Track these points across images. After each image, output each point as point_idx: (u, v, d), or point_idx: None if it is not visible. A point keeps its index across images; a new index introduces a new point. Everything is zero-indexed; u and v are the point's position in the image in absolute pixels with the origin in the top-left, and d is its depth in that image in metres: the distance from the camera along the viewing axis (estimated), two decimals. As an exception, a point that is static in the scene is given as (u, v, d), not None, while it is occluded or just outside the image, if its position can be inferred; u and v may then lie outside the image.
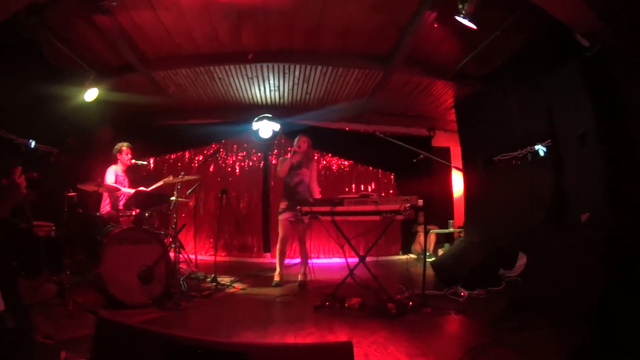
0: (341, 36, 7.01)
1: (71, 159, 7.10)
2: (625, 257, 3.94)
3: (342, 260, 6.07)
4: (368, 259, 5.34)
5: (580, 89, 5.09)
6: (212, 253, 9.43)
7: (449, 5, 5.53)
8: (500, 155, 7.20)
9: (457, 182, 11.30)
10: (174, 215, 6.29)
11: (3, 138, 6.00)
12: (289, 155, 6.70)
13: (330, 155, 11.20)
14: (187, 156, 10.91)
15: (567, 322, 3.90)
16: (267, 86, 9.08)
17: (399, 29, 6.69)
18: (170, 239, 6.07)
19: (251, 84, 8.95)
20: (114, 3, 5.57)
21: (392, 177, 11.41)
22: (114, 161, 6.60)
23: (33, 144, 6.49)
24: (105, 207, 6.35)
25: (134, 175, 7.04)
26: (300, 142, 6.63)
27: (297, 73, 8.34)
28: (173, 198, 6.25)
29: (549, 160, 5.92)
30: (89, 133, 8.35)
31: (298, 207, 5.61)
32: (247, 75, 8.41)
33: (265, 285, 6.51)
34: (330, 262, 9.96)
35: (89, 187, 5.50)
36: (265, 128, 7.83)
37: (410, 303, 4.86)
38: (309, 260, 6.75)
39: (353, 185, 11.13)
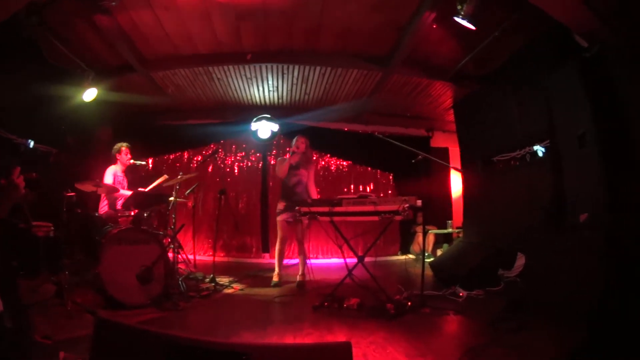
0: (340, 37, 7.01)
1: (70, 159, 7.09)
2: (625, 258, 3.95)
3: (341, 260, 6.05)
4: (367, 259, 5.34)
5: (579, 89, 5.09)
6: (210, 253, 9.43)
7: (448, 6, 5.54)
8: (499, 156, 7.20)
9: (456, 183, 11.31)
10: (173, 216, 6.28)
11: (2, 138, 5.99)
12: (287, 156, 6.69)
13: (328, 155, 11.19)
14: (185, 156, 10.91)
15: (566, 322, 3.91)
16: (266, 86, 9.08)
17: (398, 29, 6.70)
18: (169, 240, 6.07)
19: (250, 85, 8.95)
20: (113, 3, 5.57)
21: (390, 177, 11.40)
22: (113, 161, 6.60)
23: (32, 143, 6.47)
24: (104, 207, 6.34)
25: (133, 175, 7.04)
26: (299, 143, 6.63)
27: (296, 73, 8.34)
28: (172, 198, 6.25)
29: (547, 160, 5.92)
30: (88, 133, 8.35)
31: (297, 208, 5.61)
32: (246, 75, 8.41)
33: (264, 285, 6.51)
34: (328, 262, 9.96)
35: (87, 187, 5.50)
36: (264, 128, 7.82)
37: (409, 303, 4.87)
38: (308, 261, 6.75)
39: (352, 186, 11.12)
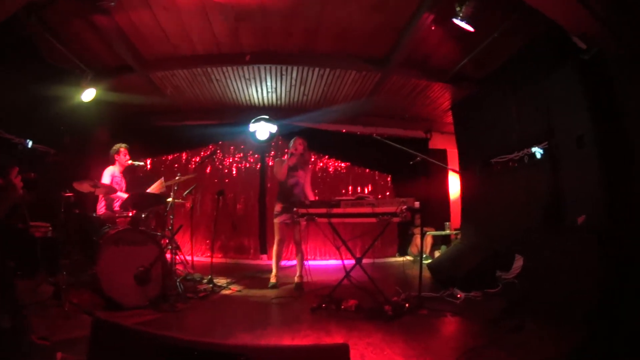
0: (339, 38, 7.02)
1: (68, 159, 7.09)
2: (623, 258, 3.96)
3: (339, 262, 6.06)
4: (364, 261, 5.35)
5: (577, 91, 5.11)
6: (208, 254, 9.37)
7: (446, 8, 5.55)
8: (497, 158, 7.21)
9: (454, 184, 11.31)
10: (171, 217, 6.29)
11: (0, 138, 6.00)
12: (285, 157, 6.69)
13: (327, 157, 11.19)
14: (184, 157, 10.90)
15: (565, 323, 3.92)
16: (264, 88, 9.08)
17: (396, 31, 6.70)
18: (167, 240, 6.07)
19: (248, 86, 8.95)
20: (112, 3, 5.57)
21: (389, 179, 11.41)
22: (111, 162, 6.59)
23: (30, 143, 6.48)
24: (101, 208, 6.34)
25: (131, 176, 7.03)
26: (297, 144, 6.61)
27: (294, 75, 8.34)
28: (170, 199, 6.25)
29: (546, 162, 5.94)
30: (86, 133, 8.33)
31: (294, 209, 5.61)
32: (244, 76, 8.41)
33: (262, 286, 6.51)
34: (326, 264, 9.94)
35: (85, 188, 5.50)
36: (263, 130, 7.83)
37: (407, 305, 4.87)
38: (306, 262, 6.74)
39: (350, 187, 11.12)
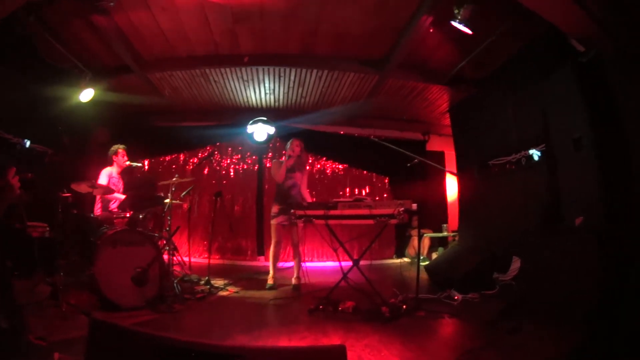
0: (337, 40, 7.03)
1: (66, 160, 7.09)
2: (621, 259, 3.97)
3: (336, 263, 6.06)
4: (362, 262, 5.34)
5: (575, 93, 5.12)
6: (205, 256, 9.37)
7: (445, 10, 5.55)
8: (494, 160, 7.21)
9: (452, 186, 11.32)
10: (168, 218, 6.28)
11: (-1, 137, 6.01)
12: (283, 159, 6.69)
13: (324, 158, 11.18)
14: (181, 158, 10.89)
15: (563, 324, 3.92)
16: (262, 89, 9.08)
17: (394, 33, 6.71)
18: (164, 242, 6.07)
19: (246, 87, 8.95)
20: (111, 3, 5.57)
21: (386, 181, 11.41)
22: (109, 163, 6.59)
23: (28, 143, 6.47)
24: (98, 209, 6.34)
25: (128, 177, 7.02)
26: (294, 146, 6.62)
27: (292, 76, 8.34)
28: (167, 200, 6.24)
29: (543, 164, 5.94)
30: (84, 134, 8.33)
31: (292, 211, 5.62)
32: (242, 78, 8.41)
33: (259, 288, 6.50)
34: (324, 265, 9.94)
35: (83, 188, 5.49)
36: (260, 131, 7.84)
37: (404, 307, 4.88)
38: (303, 264, 6.74)
39: (347, 189, 11.11)
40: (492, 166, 7.31)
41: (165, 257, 5.75)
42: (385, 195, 11.26)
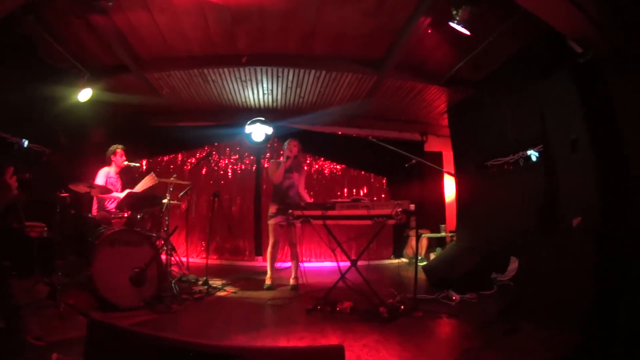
0: (335, 40, 7.03)
1: (64, 159, 7.08)
2: (618, 260, 3.97)
3: (334, 264, 6.07)
4: (360, 263, 5.34)
5: (572, 95, 5.13)
6: (203, 256, 9.40)
7: (443, 11, 5.56)
8: (492, 160, 7.22)
9: (449, 187, 11.33)
10: (166, 218, 6.27)
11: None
12: (281, 159, 6.68)
13: (322, 159, 11.19)
14: (179, 158, 10.88)
15: (560, 325, 3.92)
16: (260, 89, 9.07)
17: (393, 34, 6.72)
18: (162, 242, 6.06)
19: (245, 87, 8.95)
20: (110, 3, 5.57)
21: (384, 181, 11.42)
22: (107, 163, 6.58)
23: (26, 143, 6.47)
24: (95, 209, 6.33)
25: (126, 177, 7.02)
26: (291, 146, 6.62)
27: (290, 77, 8.34)
28: (165, 200, 6.24)
29: (541, 165, 5.96)
30: (82, 133, 8.31)
31: (290, 211, 5.62)
32: (240, 78, 8.41)
33: (257, 288, 6.50)
34: (321, 266, 9.96)
35: (81, 188, 5.48)
36: (258, 131, 7.82)
37: (402, 307, 4.89)
38: (301, 264, 6.75)
39: (345, 190, 11.12)
40: (490, 167, 7.33)
41: (163, 257, 5.74)
42: (383, 195, 11.28)
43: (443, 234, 10.24)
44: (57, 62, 6.98)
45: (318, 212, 5.39)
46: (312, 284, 6.58)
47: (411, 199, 5.03)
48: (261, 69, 7.97)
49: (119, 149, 6.61)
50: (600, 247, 4.11)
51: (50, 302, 4.51)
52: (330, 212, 5.32)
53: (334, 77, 8.27)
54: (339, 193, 10.97)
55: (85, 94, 7.21)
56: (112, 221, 5.92)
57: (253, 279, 7.49)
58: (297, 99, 9.62)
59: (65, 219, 5.42)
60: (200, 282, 6.42)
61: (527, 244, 5.63)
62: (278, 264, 7.39)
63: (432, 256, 9.39)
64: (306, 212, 5.47)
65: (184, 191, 7.32)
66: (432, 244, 10.35)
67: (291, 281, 6.59)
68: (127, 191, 6.25)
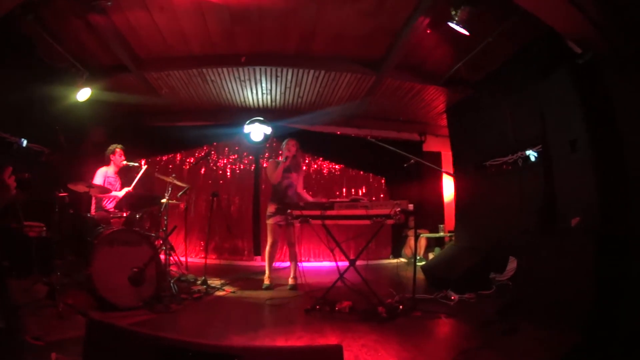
0: (334, 40, 7.02)
1: (63, 159, 7.07)
2: (617, 260, 3.98)
3: (333, 264, 6.07)
4: (358, 262, 5.35)
5: (571, 95, 5.13)
6: (202, 256, 9.39)
7: (442, 12, 5.56)
8: (491, 160, 7.22)
9: (448, 187, 11.35)
10: (165, 218, 6.27)
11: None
12: (280, 159, 6.69)
13: (321, 159, 11.21)
14: (178, 158, 10.88)
15: (559, 325, 3.93)
16: (259, 89, 9.07)
17: (392, 34, 6.72)
18: (161, 241, 6.06)
19: (243, 87, 8.95)
20: (109, 3, 5.57)
21: (383, 181, 11.43)
22: (106, 162, 6.59)
23: (25, 142, 6.46)
24: (93, 209, 6.33)
25: (126, 177, 7.02)
26: (290, 146, 6.63)
27: (289, 77, 8.34)
28: (164, 200, 6.24)
29: (540, 165, 5.95)
30: (81, 133, 8.31)
31: (289, 211, 5.62)
32: (239, 78, 8.40)
33: (256, 288, 6.51)
34: (320, 265, 9.96)
35: (80, 188, 5.48)
36: (257, 131, 7.82)
37: (401, 307, 4.89)
38: (299, 264, 6.75)
39: (344, 189, 11.13)
40: (488, 167, 7.33)
41: (162, 257, 5.74)
42: (381, 195, 11.29)
43: (441, 234, 10.26)
44: (57, 61, 6.96)
45: (317, 212, 5.40)
46: (311, 284, 6.57)
47: (410, 199, 5.04)
48: (260, 69, 7.97)
49: (118, 148, 6.62)
50: (599, 247, 4.12)
51: (49, 302, 4.50)
52: (329, 212, 5.33)
53: (333, 77, 8.27)
54: (337, 193, 10.99)
55: (84, 94, 7.21)
56: (111, 221, 5.93)
57: (252, 278, 7.50)
58: (295, 98, 9.61)
59: (64, 218, 5.42)
60: (199, 282, 6.43)
61: (526, 244, 5.63)
62: (276, 264, 7.40)
63: (431, 256, 9.39)
64: (305, 212, 5.48)
65: (183, 191, 7.32)
66: (431, 244, 10.37)
67: (290, 281, 6.60)
68: (125, 190, 6.26)
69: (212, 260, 9.68)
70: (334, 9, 6.06)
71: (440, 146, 11.36)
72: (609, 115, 4.82)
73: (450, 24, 5.45)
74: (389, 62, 7.41)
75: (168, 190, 6.24)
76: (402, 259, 10.31)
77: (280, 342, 3.84)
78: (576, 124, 5.07)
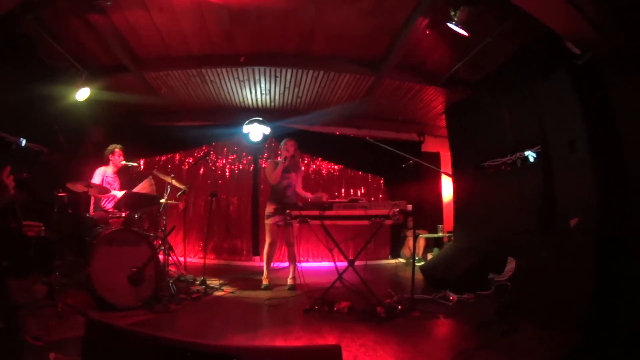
0: (333, 41, 7.02)
1: (62, 159, 7.07)
2: (616, 261, 3.98)
3: (331, 264, 6.07)
4: (357, 263, 5.36)
5: (570, 95, 5.12)
6: (201, 256, 9.37)
7: (441, 12, 5.56)
8: (490, 161, 7.23)
9: (447, 187, 11.36)
10: (164, 218, 6.27)
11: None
12: (279, 159, 6.69)
13: (320, 159, 11.20)
14: (177, 158, 10.87)
15: (558, 325, 3.93)
16: (258, 89, 9.07)
17: (391, 34, 6.72)
18: (160, 241, 6.06)
19: (242, 87, 8.94)
20: (109, 3, 5.57)
21: (381, 181, 11.43)
22: (105, 162, 6.59)
23: (24, 142, 6.45)
24: (92, 209, 6.33)
25: (125, 176, 7.02)
26: (288, 146, 6.63)
27: (288, 77, 8.34)
28: (163, 200, 6.24)
29: (538, 165, 5.96)
30: (80, 133, 8.30)
31: (287, 211, 5.62)
32: (238, 78, 8.40)
33: (254, 288, 6.51)
34: (319, 266, 9.96)
35: (79, 188, 5.48)
36: (256, 131, 7.81)
37: (399, 307, 4.90)
38: (298, 264, 6.75)
39: (343, 190, 11.13)
40: (487, 167, 7.34)
41: (161, 257, 5.74)
42: (380, 196, 11.29)
43: (440, 234, 10.27)
44: (56, 61, 6.96)
45: (315, 212, 5.40)
46: (310, 284, 6.56)
47: (408, 200, 5.05)
48: (259, 69, 7.97)
49: (117, 148, 6.62)
50: (599, 247, 4.12)
51: (48, 302, 4.50)
52: (327, 212, 5.33)
53: (332, 77, 8.27)
54: (336, 193, 10.98)
55: (83, 94, 7.20)
56: (110, 221, 5.92)
57: (250, 278, 7.49)
58: (294, 99, 9.61)
59: (63, 218, 5.42)
60: (198, 282, 6.42)
61: (526, 244, 5.63)
62: (275, 264, 7.40)
63: (430, 256, 9.39)
64: (303, 212, 5.48)
65: (182, 191, 7.32)
66: (430, 244, 10.38)
67: (288, 281, 6.60)
68: (124, 191, 6.25)
69: (211, 260, 9.66)
70: (333, 9, 6.06)
71: (439, 147, 11.38)
72: (608, 116, 4.82)
73: (450, 25, 5.45)
74: (388, 63, 7.41)
75: (167, 190, 6.24)
76: (401, 260, 10.32)
77: (279, 342, 3.84)
78: (575, 124, 5.07)
